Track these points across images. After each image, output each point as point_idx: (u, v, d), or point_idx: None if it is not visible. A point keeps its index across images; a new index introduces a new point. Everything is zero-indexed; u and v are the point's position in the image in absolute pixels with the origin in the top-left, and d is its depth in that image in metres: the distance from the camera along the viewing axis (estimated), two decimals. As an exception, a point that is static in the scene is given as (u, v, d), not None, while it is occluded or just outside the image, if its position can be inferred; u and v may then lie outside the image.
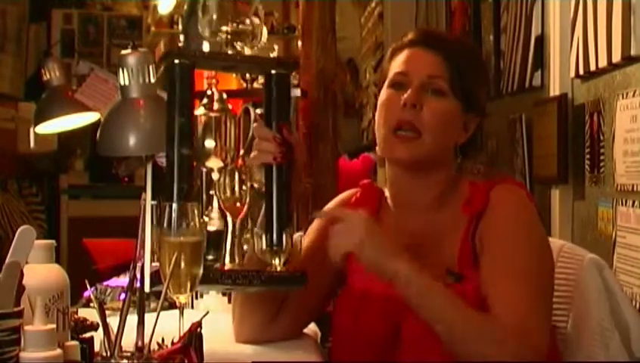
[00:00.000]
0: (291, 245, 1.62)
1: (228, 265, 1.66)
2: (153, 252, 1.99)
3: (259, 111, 1.70)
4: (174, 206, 1.48)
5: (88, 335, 1.49)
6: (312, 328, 1.97)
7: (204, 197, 2.49)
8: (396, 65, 1.67)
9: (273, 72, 1.69)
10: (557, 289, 1.67)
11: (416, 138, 1.60)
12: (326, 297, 1.78)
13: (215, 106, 2.28)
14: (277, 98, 1.68)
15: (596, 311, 1.70)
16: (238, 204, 1.73)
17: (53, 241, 1.43)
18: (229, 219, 1.72)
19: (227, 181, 1.78)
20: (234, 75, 2.64)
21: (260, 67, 1.77)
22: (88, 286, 1.52)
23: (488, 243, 1.56)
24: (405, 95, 1.61)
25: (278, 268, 1.61)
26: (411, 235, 1.65)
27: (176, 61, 1.66)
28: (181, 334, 1.38)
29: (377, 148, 1.69)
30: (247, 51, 1.77)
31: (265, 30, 1.81)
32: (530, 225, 1.59)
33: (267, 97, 1.69)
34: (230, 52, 1.76)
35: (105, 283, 2.37)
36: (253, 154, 1.70)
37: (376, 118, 1.68)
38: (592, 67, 2.36)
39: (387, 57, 1.73)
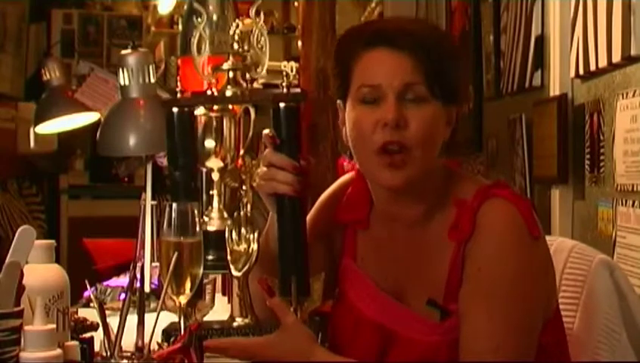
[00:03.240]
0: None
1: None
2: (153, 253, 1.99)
3: (266, 131, 1.56)
4: (173, 205, 1.48)
5: (88, 335, 1.49)
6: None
7: (204, 196, 2.49)
8: (363, 74, 1.45)
9: (282, 105, 1.59)
10: (566, 289, 1.66)
11: (407, 160, 1.42)
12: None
13: (215, 106, 2.28)
14: (288, 131, 1.56)
15: (603, 312, 1.66)
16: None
17: (53, 241, 1.43)
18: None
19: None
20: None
21: (267, 101, 1.68)
22: (88, 287, 1.52)
23: (468, 272, 1.42)
24: (385, 113, 1.41)
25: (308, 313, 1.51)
26: (396, 253, 1.53)
27: (175, 110, 1.62)
28: (181, 334, 1.38)
29: (359, 168, 1.54)
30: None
31: (266, 59, 1.75)
32: (514, 251, 1.42)
33: (277, 129, 1.57)
34: (230, 90, 1.71)
35: (105, 283, 2.37)
36: (262, 182, 1.56)
37: (350, 138, 1.49)
38: (592, 67, 2.36)
39: (342, 57, 1.50)
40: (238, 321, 1.57)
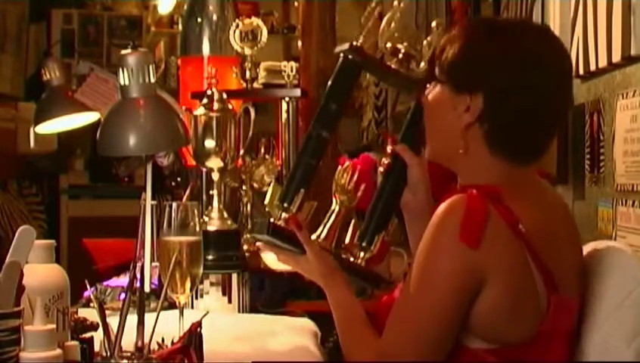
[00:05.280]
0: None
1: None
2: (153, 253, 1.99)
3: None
4: (173, 205, 1.48)
5: (88, 335, 1.49)
6: (312, 328, 1.97)
7: (204, 196, 2.49)
8: None
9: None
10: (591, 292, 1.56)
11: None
12: None
13: (215, 106, 2.28)
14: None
15: (606, 327, 1.53)
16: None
17: (53, 241, 1.43)
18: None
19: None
20: (234, 75, 2.64)
21: (409, 88, 1.86)
22: (88, 287, 1.52)
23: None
24: None
25: (361, 262, 1.73)
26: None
27: (350, 57, 1.76)
28: (181, 334, 1.38)
29: None
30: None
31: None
32: (431, 246, 1.46)
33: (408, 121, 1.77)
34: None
35: (105, 283, 2.37)
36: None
37: None
38: (592, 67, 2.36)
39: None
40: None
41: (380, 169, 1.77)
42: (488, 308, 1.44)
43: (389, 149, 1.75)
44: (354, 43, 1.79)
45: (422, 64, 1.81)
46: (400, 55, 1.81)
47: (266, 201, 2.03)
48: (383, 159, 1.78)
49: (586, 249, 1.64)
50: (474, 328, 1.46)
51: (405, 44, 1.84)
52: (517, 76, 1.49)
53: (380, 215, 1.73)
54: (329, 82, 1.76)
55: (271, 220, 1.70)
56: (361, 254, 1.72)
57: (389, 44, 1.84)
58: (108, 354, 1.23)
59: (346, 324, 1.63)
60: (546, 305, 1.46)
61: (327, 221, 1.77)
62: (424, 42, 1.81)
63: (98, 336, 1.35)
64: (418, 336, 1.45)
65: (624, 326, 1.52)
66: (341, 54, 1.77)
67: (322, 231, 1.77)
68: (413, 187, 1.74)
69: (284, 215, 1.71)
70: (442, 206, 1.45)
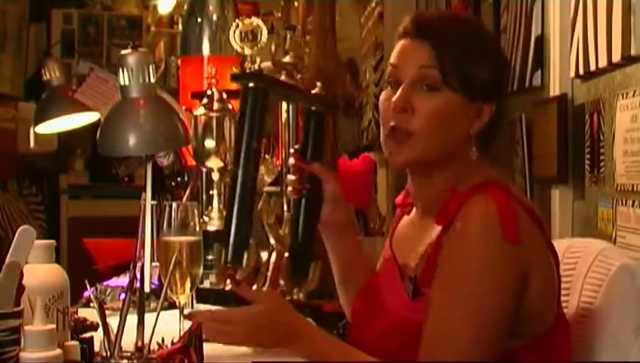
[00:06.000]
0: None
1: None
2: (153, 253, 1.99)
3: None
4: (173, 205, 1.48)
5: (88, 335, 1.49)
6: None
7: (204, 196, 2.49)
8: (391, 57, 1.58)
9: (313, 108, 1.77)
10: (585, 294, 1.62)
11: (407, 140, 1.51)
12: None
13: (215, 106, 2.28)
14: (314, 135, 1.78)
15: (615, 320, 1.58)
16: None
17: (53, 241, 1.43)
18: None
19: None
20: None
21: (314, 104, 1.85)
22: (88, 287, 1.52)
23: (439, 260, 1.46)
24: (396, 98, 1.51)
25: (304, 298, 1.70)
26: (410, 236, 1.63)
27: (251, 85, 1.65)
28: (181, 334, 1.38)
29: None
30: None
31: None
32: (479, 248, 1.42)
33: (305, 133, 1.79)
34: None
35: (105, 283, 2.37)
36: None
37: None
38: (592, 67, 2.36)
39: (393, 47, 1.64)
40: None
41: (289, 190, 1.76)
42: (532, 302, 1.45)
43: (292, 174, 1.76)
44: (252, 69, 1.76)
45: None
46: (288, 67, 1.82)
47: (259, 208, 2.01)
48: (290, 176, 1.77)
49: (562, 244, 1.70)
50: (514, 326, 1.44)
51: (290, 54, 1.86)
52: (507, 79, 1.57)
53: (306, 246, 1.71)
54: (238, 116, 1.67)
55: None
56: (298, 289, 1.70)
57: (287, 59, 1.84)
58: (108, 354, 1.23)
59: None
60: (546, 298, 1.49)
61: (268, 267, 1.76)
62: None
63: (98, 336, 1.34)
64: (482, 343, 1.39)
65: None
66: (241, 85, 1.68)
67: (265, 280, 1.74)
68: (332, 203, 1.75)
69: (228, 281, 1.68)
70: (471, 211, 1.43)
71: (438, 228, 1.50)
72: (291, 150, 1.83)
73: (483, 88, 1.53)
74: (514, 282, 1.43)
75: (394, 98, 1.51)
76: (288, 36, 1.85)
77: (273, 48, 1.88)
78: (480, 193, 1.46)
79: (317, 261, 1.72)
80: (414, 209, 1.68)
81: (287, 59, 1.84)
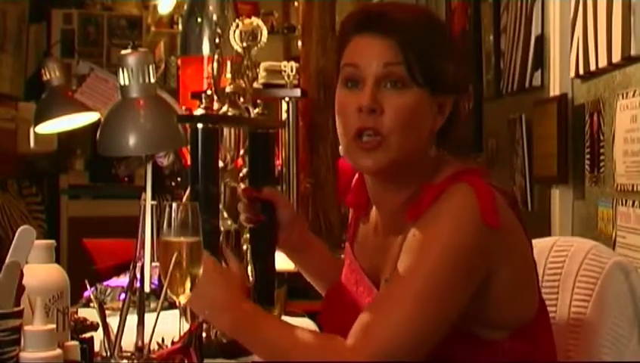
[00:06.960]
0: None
1: None
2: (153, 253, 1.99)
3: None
4: (173, 205, 1.47)
5: (88, 335, 1.49)
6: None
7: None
8: (348, 55, 1.47)
9: (259, 131, 1.79)
10: (578, 292, 1.63)
11: (380, 144, 1.42)
12: None
13: (216, 106, 2.29)
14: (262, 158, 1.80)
15: (612, 317, 1.60)
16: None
17: (53, 241, 1.43)
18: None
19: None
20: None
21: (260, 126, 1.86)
22: (88, 287, 1.52)
23: (406, 237, 1.40)
24: (362, 99, 1.42)
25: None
26: (378, 240, 1.56)
27: (201, 126, 1.66)
28: (181, 334, 1.38)
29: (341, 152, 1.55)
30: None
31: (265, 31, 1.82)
32: (456, 226, 1.37)
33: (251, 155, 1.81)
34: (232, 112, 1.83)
35: (105, 283, 2.37)
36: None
37: (336, 121, 1.50)
38: (592, 67, 2.36)
39: (336, 46, 1.53)
40: None
41: (243, 218, 1.76)
42: (509, 286, 1.42)
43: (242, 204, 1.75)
44: (199, 109, 1.76)
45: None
46: (231, 97, 1.82)
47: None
48: (240, 206, 1.76)
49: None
50: (494, 316, 1.42)
51: (230, 83, 1.86)
52: (468, 72, 1.53)
53: (268, 274, 1.75)
54: (190, 158, 1.66)
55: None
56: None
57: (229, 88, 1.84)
58: (108, 354, 1.23)
59: (288, 341, 1.40)
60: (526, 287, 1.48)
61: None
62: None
63: (98, 336, 1.35)
64: (421, 320, 1.34)
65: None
66: (190, 127, 1.68)
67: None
68: (289, 226, 1.75)
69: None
70: (449, 195, 1.39)
71: (406, 233, 1.43)
72: (241, 185, 1.84)
73: (447, 81, 1.46)
74: (478, 262, 1.38)
75: (362, 100, 1.43)
76: (228, 63, 1.84)
77: (215, 71, 1.86)
78: (455, 181, 1.41)
79: (281, 287, 1.78)
80: (372, 212, 1.60)
81: (228, 89, 1.84)
